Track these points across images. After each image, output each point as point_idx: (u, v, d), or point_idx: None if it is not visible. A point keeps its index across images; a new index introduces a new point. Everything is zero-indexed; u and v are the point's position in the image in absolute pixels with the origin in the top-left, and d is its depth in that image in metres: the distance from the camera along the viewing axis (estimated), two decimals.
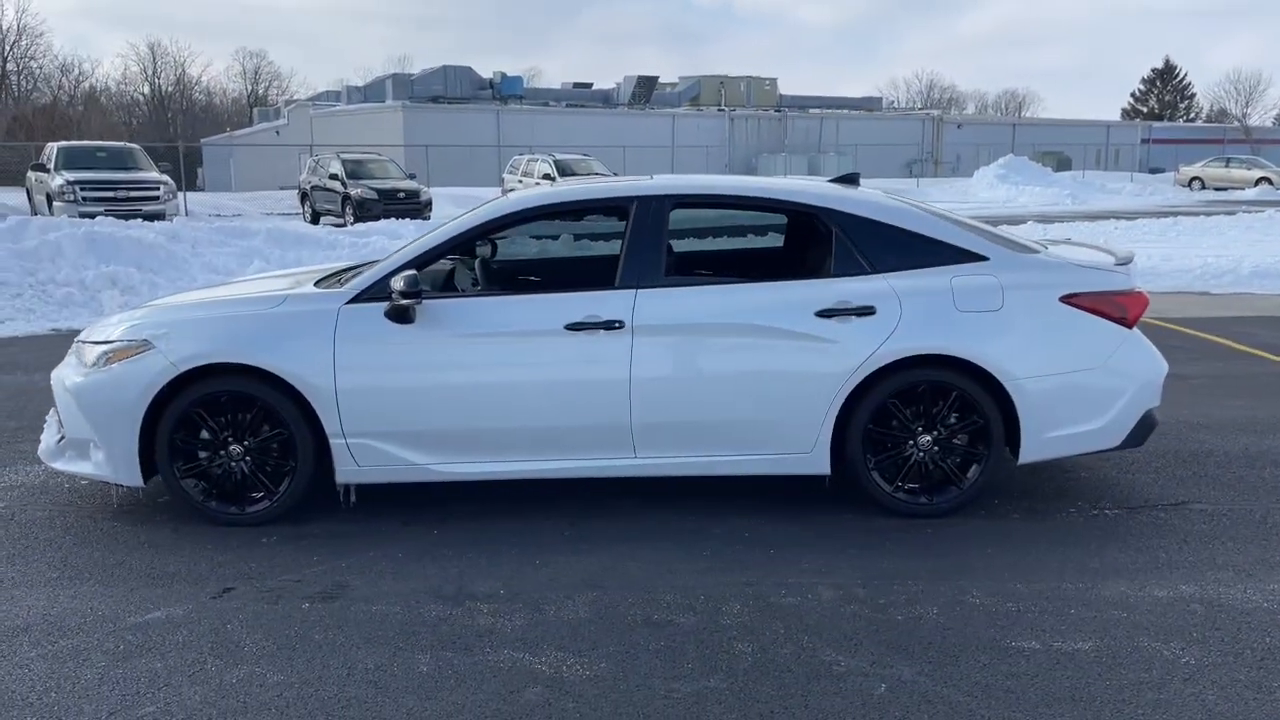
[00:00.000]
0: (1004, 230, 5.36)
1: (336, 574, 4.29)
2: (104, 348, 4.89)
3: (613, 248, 6.29)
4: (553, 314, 4.74)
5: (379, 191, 23.44)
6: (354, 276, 5.03)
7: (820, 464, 4.85)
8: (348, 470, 4.84)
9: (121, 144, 23.11)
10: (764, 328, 4.72)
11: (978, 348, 4.73)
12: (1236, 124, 69.89)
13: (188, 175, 44.76)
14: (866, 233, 4.89)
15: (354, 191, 23.51)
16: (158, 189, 20.63)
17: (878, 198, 5.15)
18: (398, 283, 4.65)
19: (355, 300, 4.81)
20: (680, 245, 6.10)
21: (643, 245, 4.85)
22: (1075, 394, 4.83)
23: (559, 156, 27.92)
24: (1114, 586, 4.09)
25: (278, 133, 53.33)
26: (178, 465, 4.82)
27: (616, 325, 4.70)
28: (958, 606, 3.91)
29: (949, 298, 4.76)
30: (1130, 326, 4.92)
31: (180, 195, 25.61)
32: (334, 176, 24.54)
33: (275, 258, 13.12)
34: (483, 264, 5.65)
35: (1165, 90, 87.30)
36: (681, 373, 4.73)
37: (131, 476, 4.83)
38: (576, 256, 6.94)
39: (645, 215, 4.90)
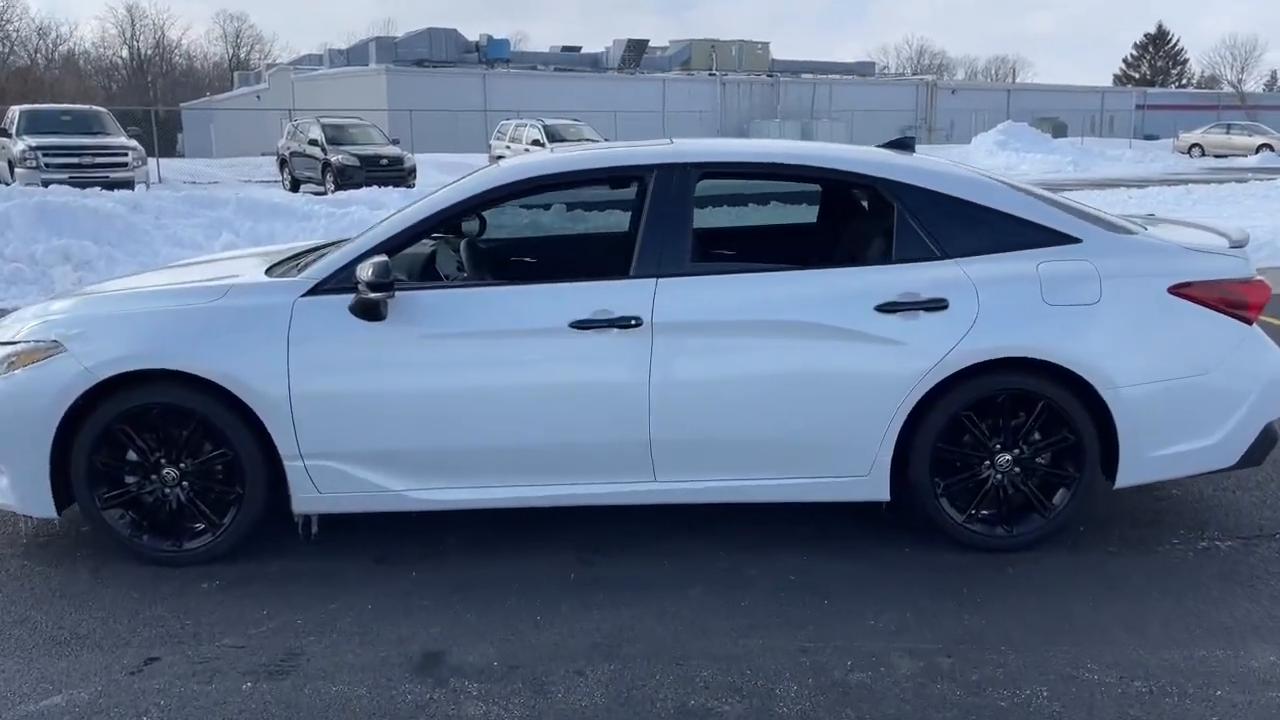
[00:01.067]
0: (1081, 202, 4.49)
1: (289, 635, 3.45)
2: (6, 350, 4.01)
3: (624, 225, 5.44)
4: (554, 309, 3.88)
5: (360, 158, 22.39)
6: (316, 260, 4.16)
7: (878, 489, 4.02)
8: (307, 498, 3.99)
9: (87, 107, 21.94)
10: (812, 325, 3.88)
11: (1070, 348, 3.89)
12: (1232, 90, 69.04)
13: (166, 141, 43.35)
14: (935, 209, 4.03)
15: (334, 158, 22.45)
16: (125, 155, 19.54)
17: (947, 167, 4.29)
18: (365, 271, 3.78)
19: (314, 292, 3.94)
20: (700, 221, 5.22)
21: (663, 224, 3.99)
22: (1185, 404, 4.00)
23: (548, 122, 26.87)
24: (1260, 653, 3.28)
25: (258, 97, 51.88)
26: (99, 493, 3.96)
27: (632, 323, 3.85)
28: (1073, 685, 3.10)
29: (1035, 288, 3.92)
30: (1251, 322, 4.10)
31: (153, 161, 24.57)
32: (314, 142, 23.47)
33: (246, 230, 12.18)
34: (470, 246, 4.77)
35: (1158, 56, 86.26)
36: (711, 380, 3.89)
37: (41, 506, 3.97)
38: (583, 236, 6.04)
39: (666, 188, 4.03)
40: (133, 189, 18.17)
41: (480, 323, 3.88)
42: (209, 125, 51.09)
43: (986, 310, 3.89)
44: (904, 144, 4.71)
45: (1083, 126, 54.26)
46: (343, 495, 3.98)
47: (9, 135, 19.98)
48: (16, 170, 18.87)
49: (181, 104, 58.17)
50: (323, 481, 3.95)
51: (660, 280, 3.92)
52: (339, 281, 3.93)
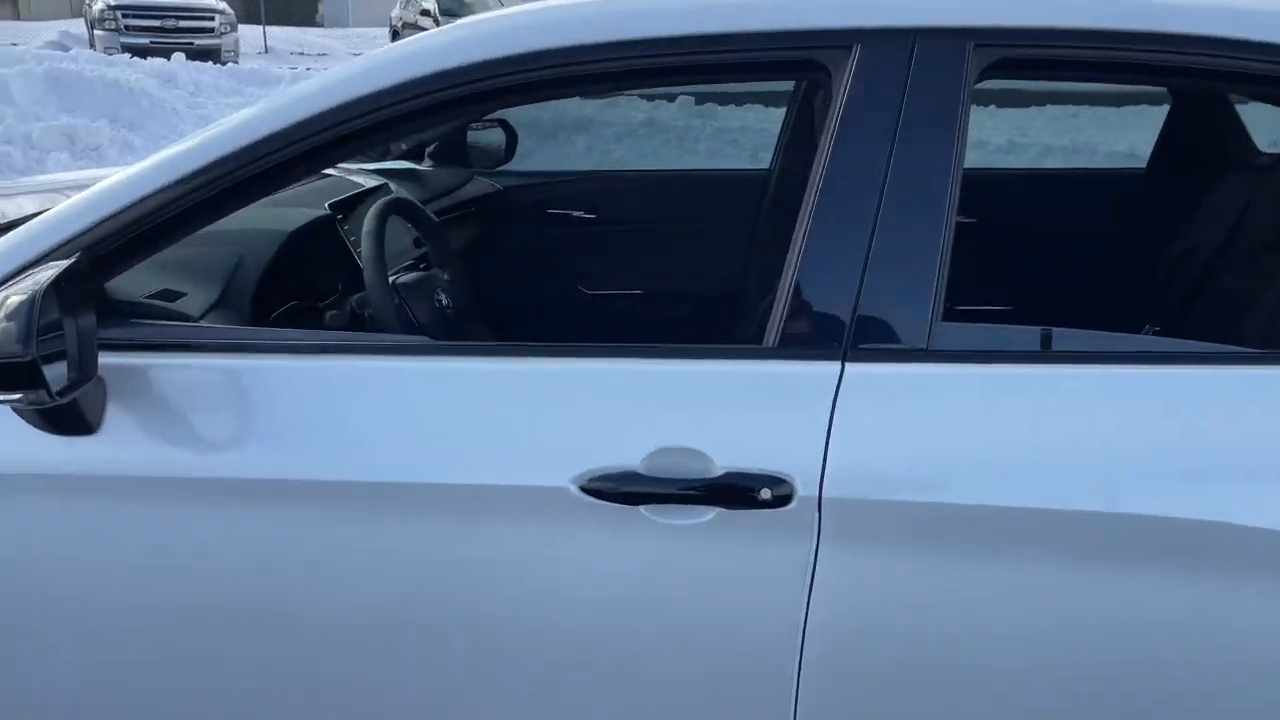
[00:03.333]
0: None
1: None
2: None
3: (738, 202, 2.78)
4: (544, 435, 1.38)
5: None
6: None
7: None
8: None
9: None
10: None
11: None
12: None
13: (306, 8, 41.45)
14: None
15: None
16: (211, 19, 17.45)
17: None
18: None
19: None
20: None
21: (869, 205, 1.39)
22: None
23: None
24: None
25: None
26: None
27: (761, 496, 1.32)
28: None
29: None
30: None
31: (258, 30, 22.63)
32: (425, 13, 21.05)
33: None
34: (392, 211, 2.12)
35: None
36: (969, 660, 1.35)
37: None
38: (633, 229, 2.99)
39: (881, 99, 1.41)
40: (219, 59, 16.20)
41: (341, 463, 1.40)
42: None
43: None
44: None
45: None
46: None
47: None
48: (95, 33, 17.04)
49: None
50: None
51: (851, 368, 1.35)
52: None
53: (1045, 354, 1.37)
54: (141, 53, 14.01)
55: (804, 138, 2.19)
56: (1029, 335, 1.44)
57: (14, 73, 9.12)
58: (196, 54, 15.44)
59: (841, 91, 1.38)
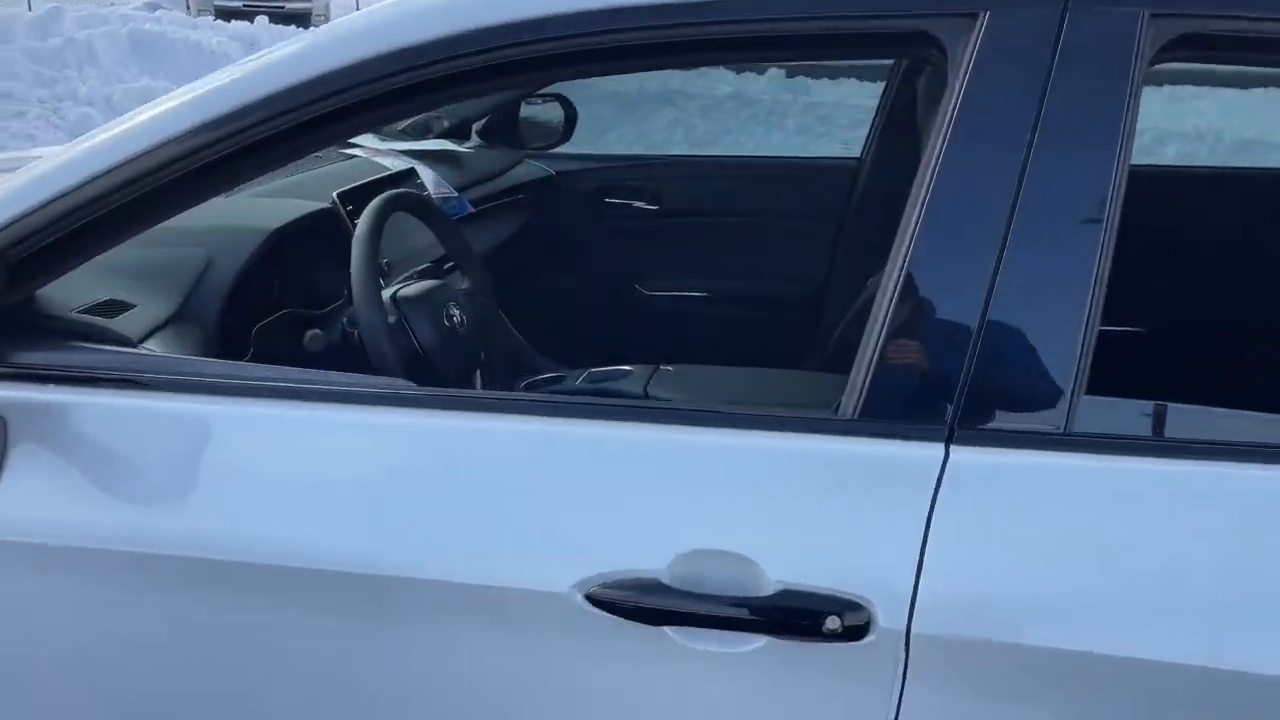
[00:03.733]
0: None
1: None
2: None
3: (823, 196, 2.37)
4: (543, 522, 1.05)
5: None
6: None
7: None
8: None
9: None
10: None
11: None
12: None
13: None
14: None
15: None
16: None
17: None
18: None
19: None
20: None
21: (993, 232, 1.03)
22: None
23: None
24: None
25: None
26: None
27: (830, 626, 0.97)
28: None
29: None
30: None
31: None
32: None
33: None
34: (394, 209, 1.72)
35: None
36: None
37: None
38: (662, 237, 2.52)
39: (1018, 79, 1.04)
40: (309, 22, 16.18)
41: (285, 543, 1.09)
42: None
43: None
44: None
45: None
46: None
47: None
48: None
49: None
50: None
51: (958, 453, 0.99)
52: None
53: (1229, 446, 0.99)
54: (233, 15, 14.01)
55: (905, 128, 1.81)
56: (1207, 417, 1.06)
57: (99, 33, 9.07)
58: (287, 17, 15.44)
59: (961, 75, 1.01)
